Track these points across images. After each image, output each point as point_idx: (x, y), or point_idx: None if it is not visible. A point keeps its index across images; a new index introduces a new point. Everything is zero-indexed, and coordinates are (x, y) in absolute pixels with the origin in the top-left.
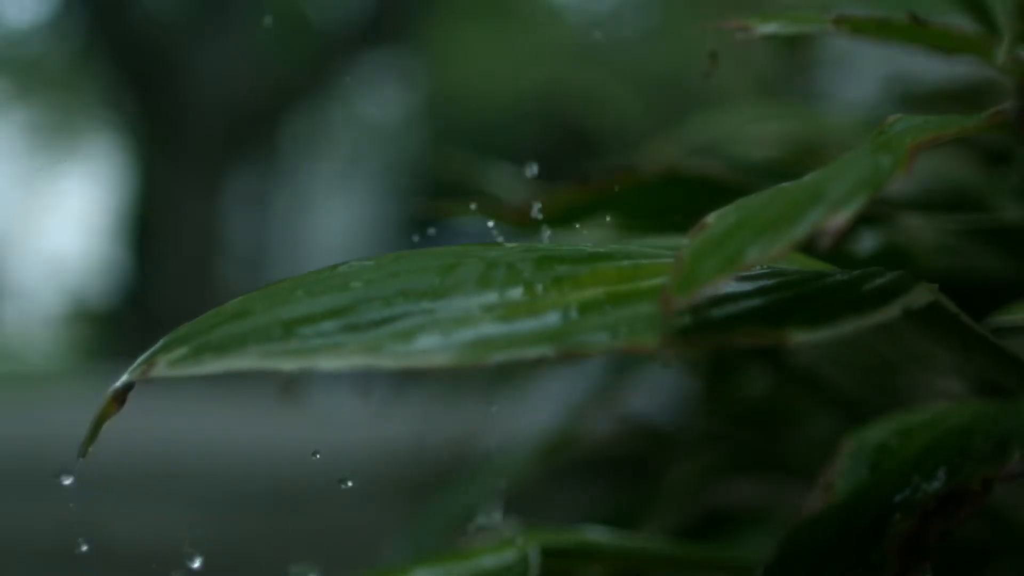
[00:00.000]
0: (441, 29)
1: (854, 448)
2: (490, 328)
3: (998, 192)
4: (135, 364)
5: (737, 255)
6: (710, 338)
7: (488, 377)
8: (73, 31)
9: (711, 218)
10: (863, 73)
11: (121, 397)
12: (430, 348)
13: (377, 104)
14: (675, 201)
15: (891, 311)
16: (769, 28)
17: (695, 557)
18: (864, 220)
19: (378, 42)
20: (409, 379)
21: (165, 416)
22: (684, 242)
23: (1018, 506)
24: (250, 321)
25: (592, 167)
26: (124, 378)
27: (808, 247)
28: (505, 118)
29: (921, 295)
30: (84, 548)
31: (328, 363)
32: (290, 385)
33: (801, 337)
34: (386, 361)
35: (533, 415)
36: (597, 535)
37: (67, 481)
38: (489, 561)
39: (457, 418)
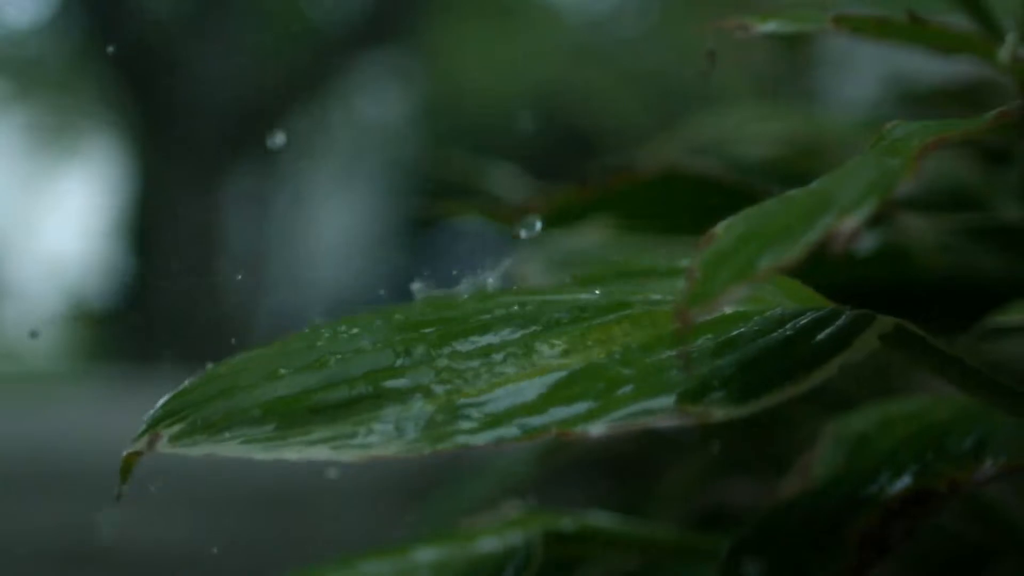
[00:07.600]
0: (441, 29)
1: (835, 435)
2: (433, 417)
3: (998, 192)
4: (142, 430)
5: (750, 264)
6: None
7: None
8: (73, 31)
9: (719, 229)
10: (863, 73)
11: (149, 446)
12: (379, 441)
13: (377, 104)
14: (675, 201)
15: (808, 382)
16: (768, 27)
17: (702, 546)
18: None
19: (378, 42)
20: None
21: None
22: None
23: (1018, 506)
24: (235, 400)
25: (592, 167)
26: (133, 447)
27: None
28: (505, 118)
29: (864, 346)
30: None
31: (293, 456)
32: None
33: (722, 415)
34: (343, 457)
35: None
36: (602, 521)
37: None
38: (491, 543)
39: None
